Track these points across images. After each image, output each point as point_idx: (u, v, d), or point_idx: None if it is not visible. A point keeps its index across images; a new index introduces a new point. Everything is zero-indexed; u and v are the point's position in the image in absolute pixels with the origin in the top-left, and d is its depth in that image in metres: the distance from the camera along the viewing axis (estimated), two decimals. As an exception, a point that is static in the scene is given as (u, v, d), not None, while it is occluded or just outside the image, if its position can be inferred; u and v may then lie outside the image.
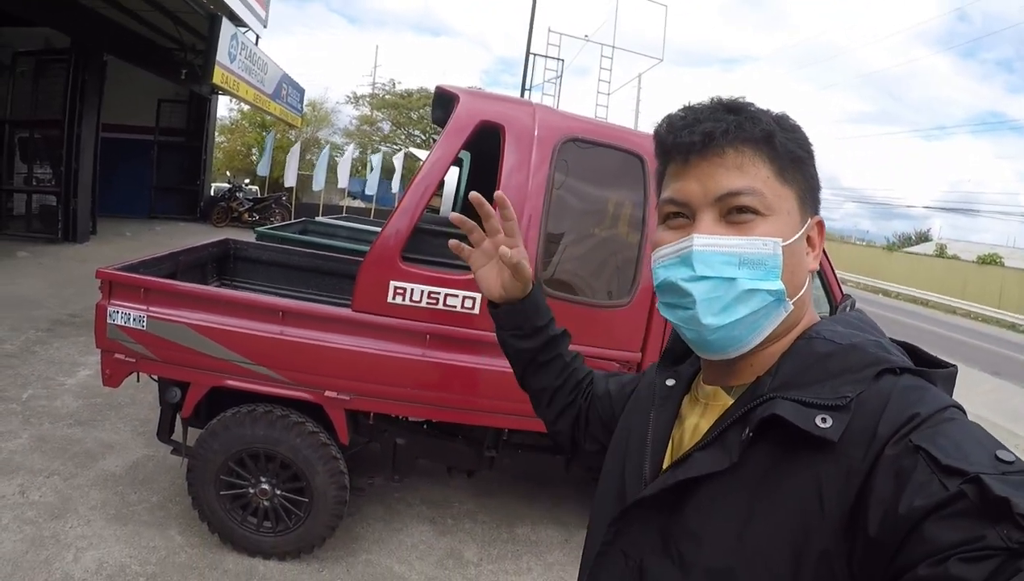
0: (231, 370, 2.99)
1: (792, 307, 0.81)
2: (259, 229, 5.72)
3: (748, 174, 0.78)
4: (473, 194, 1.05)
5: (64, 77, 11.82)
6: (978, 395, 9.97)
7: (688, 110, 0.84)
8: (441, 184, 8.86)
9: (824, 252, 3.18)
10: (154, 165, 18.27)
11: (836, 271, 3.70)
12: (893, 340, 0.81)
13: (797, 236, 0.81)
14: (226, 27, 11.93)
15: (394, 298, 2.97)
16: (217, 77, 11.87)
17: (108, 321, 3.00)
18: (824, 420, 0.69)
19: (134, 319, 2.98)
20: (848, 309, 3.27)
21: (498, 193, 1.05)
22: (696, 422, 0.88)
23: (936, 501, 0.58)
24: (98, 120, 12.79)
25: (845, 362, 0.74)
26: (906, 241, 51.86)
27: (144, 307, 2.99)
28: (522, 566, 3.61)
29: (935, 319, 22.72)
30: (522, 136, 3.09)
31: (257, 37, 16.07)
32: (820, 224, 0.87)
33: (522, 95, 15.13)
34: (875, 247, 43.05)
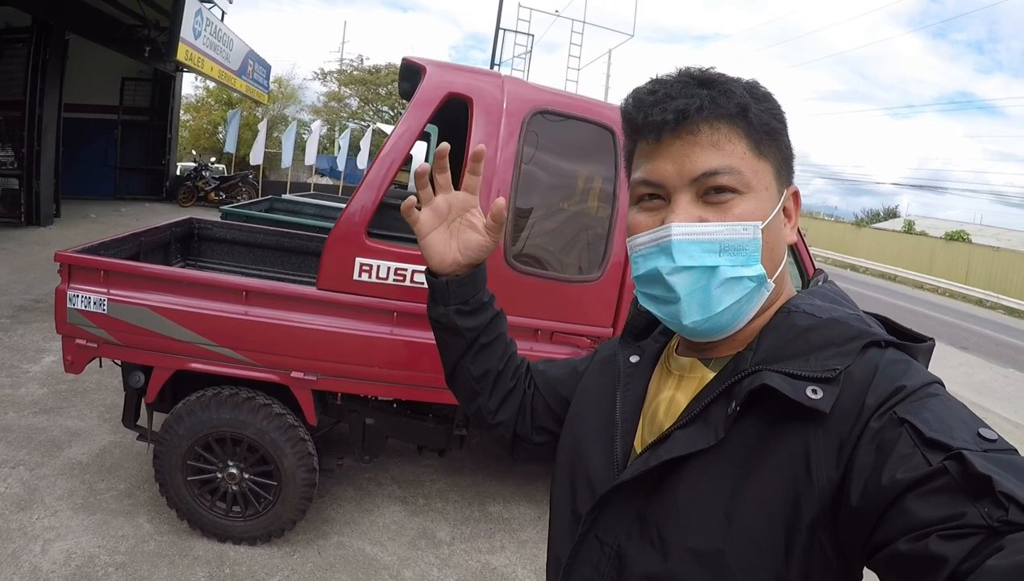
0: (195, 353, 2.92)
1: (773, 285, 0.80)
2: (224, 208, 5.62)
3: (724, 151, 0.76)
4: (442, 145, 0.94)
5: (25, 57, 11.47)
6: (947, 369, 10.19)
7: (657, 84, 0.80)
8: (409, 159, 8.81)
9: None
10: (118, 145, 17.84)
11: (809, 248, 3.71)
12: (867, 313, 0.80)
13: (775, 212, 0.79)
14: (190, 3, 11.62)
15: (360, 275, 2.91)
16: (181, 54, 11.60)
17: (68, 306, 2.91)
18: (815, 392, 0.68)
19: (95, 303, 2.89)
20: (821, 283, 3.27)
21: (478, 145, 0.95)
22: (671, 395, 0.86)
23: (918, 475, 0.57)
24: (60, 100, 12.44)
25: (828, 335, 0.73)
26: (874, 217, 52.63)
27: (104, 290, 2.90)
28: (495, 544, 3.60)
29: (903, 294, 23.11)
30: (491, 108, 3.03)
31: (223, 13, 15.76)
32: (796, 194, 0.86)
33: (491, 69, 15.00)
34: (844, 223, 43.64)
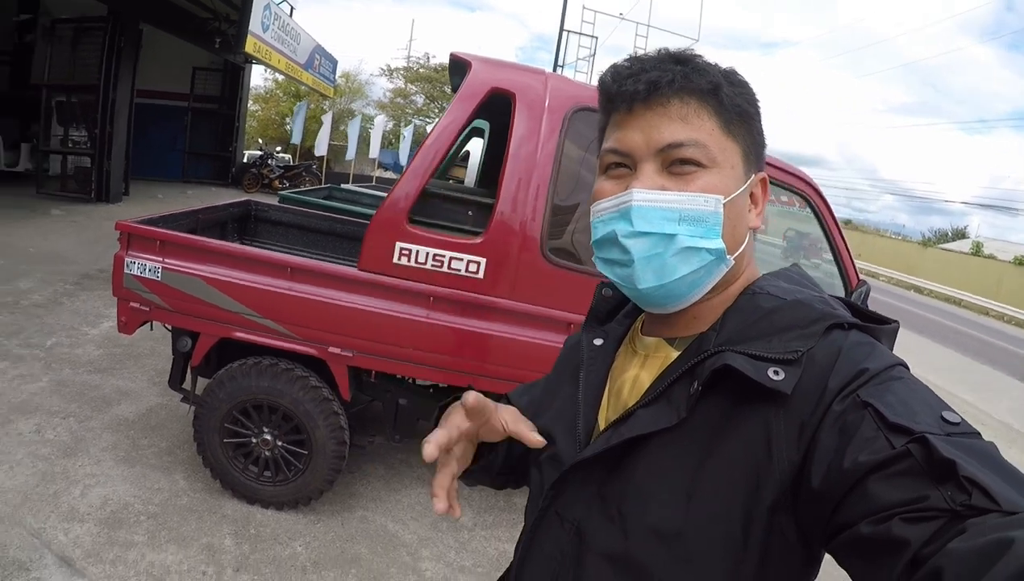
0: (240, 322, 3.07)
1: (733, 262, 0.80)
2: (282, 193, 5.80)
3: (692, 125, 0.77)
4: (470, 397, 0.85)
5: (100, 44, 12.02)
6: (1008, 402, 9.81)
7: (635, 60, 0.83)
8: (467, 156, 8.82)
9: (841, 233, 3.17)
10: (188, 131, 18.59)
11: (870, 264, 3.67)
12: (833, 296, 0.81)
13: (739, 191, 0.80)
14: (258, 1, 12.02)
15: (399, 259, 3.02)
16: (249, 46, 12.02)
17: (125, 271, 3.10)
18: (776, 373, 0.69)
19: (149, 270, 3.08)
20: (864, 296, 3.25)
21: (467, 395, 0.85)
22: (636, 374, 0.87)
23: (881, 458, 0.58)
24: (133, 86, 13.02)
25: (792, 317, 0.75)
26: (942, 237, 50.96)
27: (159, 259, 3.08)
28: (515, 534, 3.65)
29: (967, 319, 22.28)
30: (533, 104, 3.11)
31: (291, 8, 16.22)
32: (764, 181, 0.87)
33: (555, 72, 15.07)
34: (910, 242, 42.28)
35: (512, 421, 0.89)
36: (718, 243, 0.77)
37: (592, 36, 15.75)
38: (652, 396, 0.77)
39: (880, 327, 0.76)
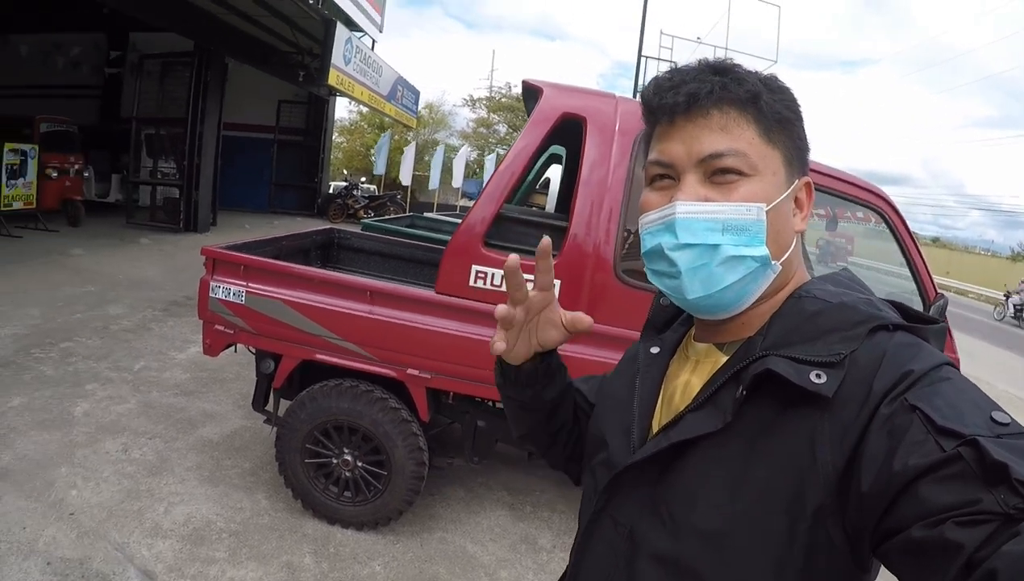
0: (321, 345, 3.17)
1: (780, 268, 0.81)
2: (365, 221, 5.95)
3: (732, 135, 0.79)
4: (544, 242, 0.88)
5: (187, 78, 12.67)
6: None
7: (675, 72, 0.85)
8: (547, 183, 8.85)
9: (917, 246, 3.07)
10: (274, 162, 19.39)
11: (958, 282, 3.54)
12: (882, 298, 0.81)
13: (782, 197, 0.81)
14: (340, 32, 12.46)
15: (475, 282, 3.07)
16: (332, 79, 12.41)
17: (210, 295, 3.25)
18: (819, 376, 0.69)
19: (234, 294, 3.21)
20: (942, 310, 3.14)
21: (544, 239, 0.88)
22: (687, 379, 0.88)
23: (931, 461, 0.58)
24: (220, 119, 13.65)
25: (836, 319, 0.75)
26: (1033, 251, 48.33)
27: (243, 283, 3.21)
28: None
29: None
30: (604, 129, 3.13)
31: (373, 41, 16.74)
32: (808, 185, 0.87)
33: (634, 96, 15.03)
34: (1000, 258, 40.22)
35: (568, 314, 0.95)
36: (762, 250, 0.78)
37: (671, 61, 15.68)
38: (700, 401, 0.79)
39: (926, 327, 0.76)
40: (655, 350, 0.97)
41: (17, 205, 10.95)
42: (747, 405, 0.74)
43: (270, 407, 3.60)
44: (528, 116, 3.85)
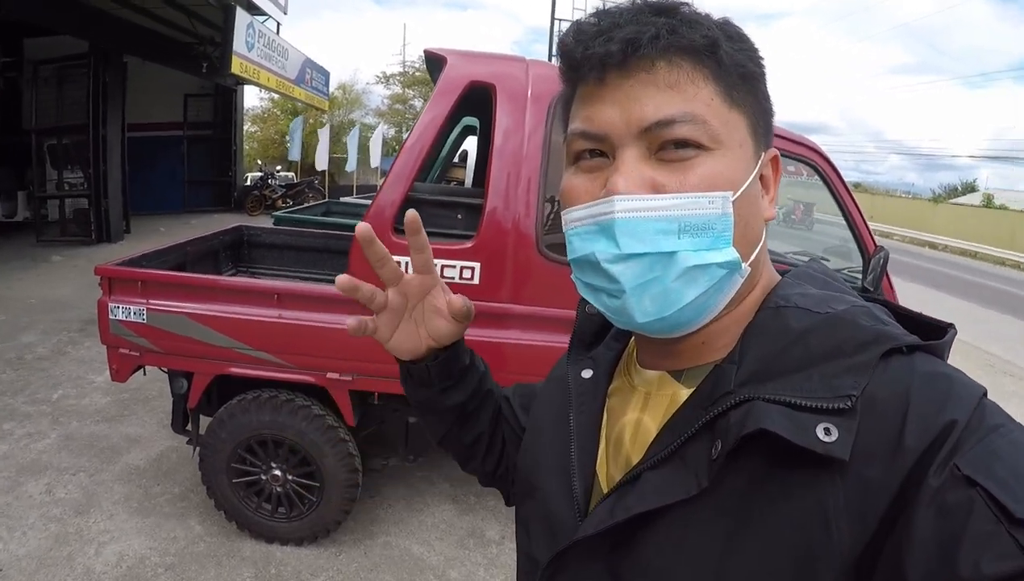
0: (233, 357, 2.93)
1: (748, 270, 0.62)
2: (276, 213, 5.70)
3: (686, 95, 0.59)
4: (410, 214, 0.76)
5: (85, 82, 11.96)
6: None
7: (603, 13, 0.63)
8: (465, 156, 8.66)
9: (853, 199, 2.94)
10: (185, 160, 18.49)
11: (882, 225, 3.49)
12: (865, 295, 0.63)
13: (751, 179, 0.62)
14: (241, 17, 11.95)
15: (390, 273, 2.87)
16: (236, 67, 11.92)
17: (110, 317, 2.98)
18: (828, 431, 0.51)
19: (134, 313, 2.95)
20: (882, 262, 3.06)
21: (409, 213, 0.76)
22: (638, 417, 0.69)
23: (1015, 569, 0.43)
24: (123, 121, 12.96)
25: (832, 340, 0.56)
26: (952, 192, 50.29)
27: (143, 300, 2.95)
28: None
29: (984, 271, 21.89)
30: (515, 95, 2.94)
31: (278, 25, 16.12)
32: (775, 159, 0.68)
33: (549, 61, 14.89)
34: (921, 200, 41.64)
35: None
36: (730, 254, 0.59)
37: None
38: (662, 454, 0.60)
39: (944, 343, 0.58)
40: (587, 374, 0.77)
41: None
42: (728, 465, 0.56)
43: (193, 426, 3.35)
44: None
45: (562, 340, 2.84)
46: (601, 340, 0.81)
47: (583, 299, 0.74)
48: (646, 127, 0.59)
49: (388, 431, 3.41)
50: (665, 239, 0.58)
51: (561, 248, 2.90)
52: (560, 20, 15.64)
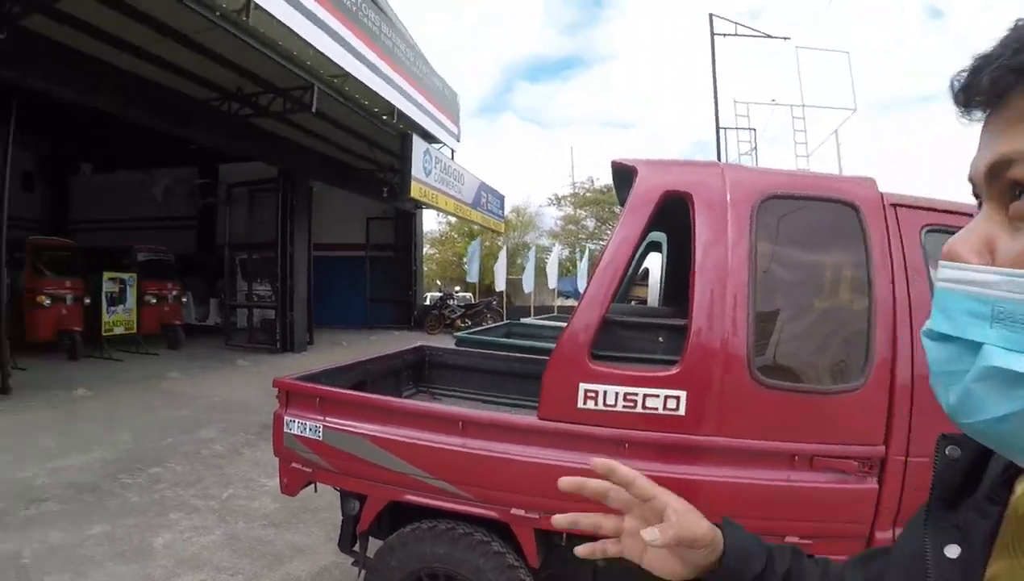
0: (410, 484, 2.75)
1: None
2: (459, 334, 5.71)
3: None
4: (598, 462, 0.83)
5: (274, 203, 13.21)
6: None
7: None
8: (646, 274, 8.36)
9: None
10: (368, 278, 20.06)
11: None
12: None
13: None
14: (418, 144, 12.86)
15: (585, 403, 2.59)
16: (415, 191, 12.68)
17: (285, 430, 2.95)
18: None
19: (310, 429, 2.89)
20: None
21: (596, 461, 0.81)
22: None
23: None
24: (309, 240, 14.24)
25: None
26: None
27: (320, 417, 2.89)
28: None
29: None
30: (714, 203, 2.68)
31: (452, 151, 17.22)
32: None
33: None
34: None
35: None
36: None
37: (749, 129, 15.27)
38: None
39: None
40: (953, 551, 0.56)
41: (118, 330, 11.68)
42: None
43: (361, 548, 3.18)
44: (621, 204, 3.44)
45: (773, 477, 2.45)
46: (968, 495, 0.59)
47: (943, 436, 0.61)
48: (988, 168, 0.51)
49: (574, 575, 3.06)
50: (973, 325, 0.48)
51: (774, 371, 2.54)
52: (725, 129, 15.44)
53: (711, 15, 15.58)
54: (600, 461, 0.79)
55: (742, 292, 2.56)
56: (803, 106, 14.60)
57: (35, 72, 8.22)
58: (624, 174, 2.97)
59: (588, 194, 35.49)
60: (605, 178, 34.82)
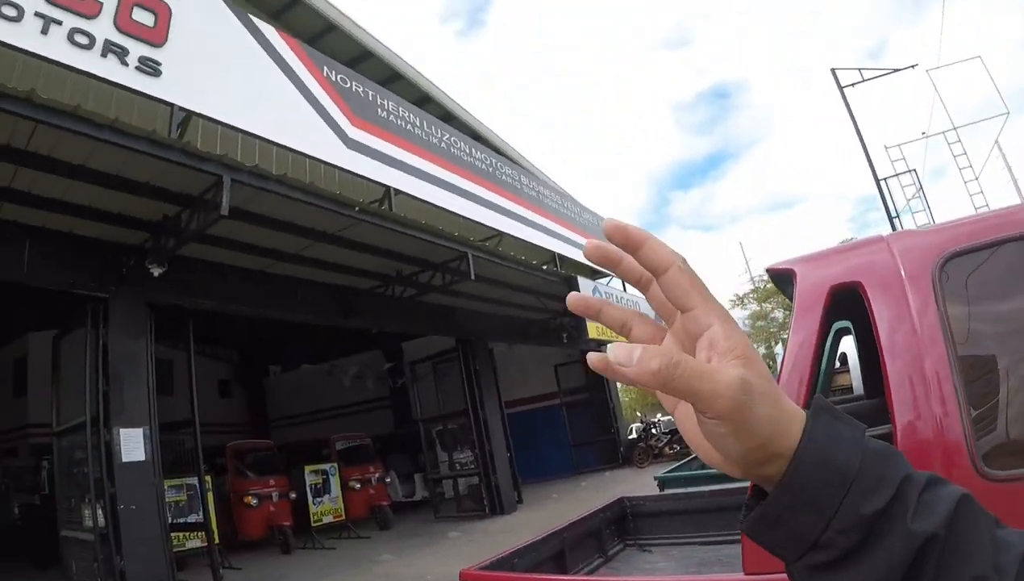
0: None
1: None
2: (659, 476, 5.56)
3: None
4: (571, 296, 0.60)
5: (458, 372, 13.79)
6: None
7: None
8: (844, 358, 7.78)
9: None
10: (567, 424, 20.12)
11: None
12: None
13: None
14: (584, 285, 13.05)
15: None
16: (592, 332, 12.79)
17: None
18: None
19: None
20: None
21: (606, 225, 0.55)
22: None
23: None
24: (499, 400, 14.60)
25: None
26: None
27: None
28: None
29: None
30: (886, 283, 2.49)
31: (623, 282, 17.38)
32: None
33: (892, 225, 13.79)
34: None
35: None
36: None
37: (909, 171, 14.43)
38: None
39: None
40: None
41: (327, 519, 12.29)
42: None
43: None
44: (789, 298, 3.31)
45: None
46: None
47: None
48: None
49: None
50: None
51: (1005, 458, 2.19)
52: (885, 179, 14.64)
53: (832, 70, 15.25)
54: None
55: (944, 369, 2.31)
56: (955, 129, 13.62)
57: (203, 294, 9.19)
58: (783, 277, 2.87)
59: (768, 286, 34.08)
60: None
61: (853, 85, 15.08)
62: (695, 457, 6.50)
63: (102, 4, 6.53)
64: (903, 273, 2.47)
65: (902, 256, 2.51)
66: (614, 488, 11.45)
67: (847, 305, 2.82)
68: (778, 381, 2.51)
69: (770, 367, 26.08)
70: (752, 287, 35.59)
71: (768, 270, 2.90)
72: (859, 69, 15.30)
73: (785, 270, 2.72)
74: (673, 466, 7.26)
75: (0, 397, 15.75)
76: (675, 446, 18.21)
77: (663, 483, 5.19)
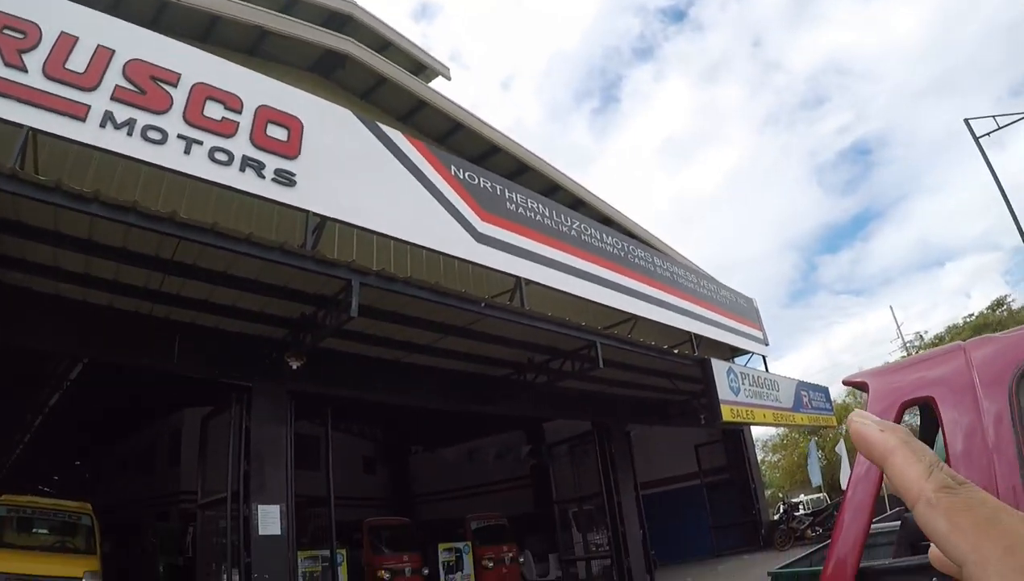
0: None
1: None
2: (772, 571, 5.47)
3: None
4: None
5: (594, 455, 13.93)
6: None
7: None
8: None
9: None
10: (707, 505, 19.62)
11: None
12: None
13: None
14: (719, 367, 12.57)
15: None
16: (726, 414, 12.29)
17: None
18: None
19: None
20: None
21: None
22: None
23: None
24: (635, 483, 14.50)
25: None
26: None
27: None
28: None
29: None
30: (959, 398, 2.55)
31: (764, 358, 16.90)
32: None
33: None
34: None
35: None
36: None
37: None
38: None
39: None
40: None
41: None
42: None
43: None
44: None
45: None
46: None
47: None
48: None
49: None
50: None
51: None
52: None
53: (966, 120, 14.55)
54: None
55: (1019, 483, 2.38)
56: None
57: (340, 383, 9.90)
58: (860, 388, 2.99)
59: (923, 351, 31.43)
60: (936, 328, 30.97)
61: (988, 134, 14.33)
62: (816, 551, 6.28)
63: (238, 123, 7.29)
64: (978, 382, 2.54)
65: (980, 366, 2.57)
66: (750, 571, 10.96)
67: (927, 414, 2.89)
68: (843, 501, 2.63)
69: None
70: (903, 354, 33.08)
71: (845, 382, 3.03)
72: (993, 117, 14.53)
73: (859, 383, 2.85)
74: (805, 552, 6.99)
75: (158, 465, 17.39)
76: (817, 528, 17.20)
77: (777, 579, 5.10)
